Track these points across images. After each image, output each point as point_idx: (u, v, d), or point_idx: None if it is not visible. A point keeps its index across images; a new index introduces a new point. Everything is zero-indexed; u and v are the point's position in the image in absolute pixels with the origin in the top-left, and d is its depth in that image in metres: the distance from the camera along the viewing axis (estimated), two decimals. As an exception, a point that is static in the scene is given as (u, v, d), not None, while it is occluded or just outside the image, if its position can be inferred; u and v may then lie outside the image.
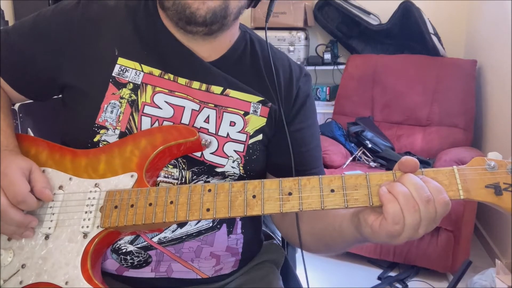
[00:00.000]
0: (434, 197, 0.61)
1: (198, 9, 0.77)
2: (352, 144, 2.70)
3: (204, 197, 0.70)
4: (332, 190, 0.66)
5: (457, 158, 2.29)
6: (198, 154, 0.84)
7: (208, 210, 0.69)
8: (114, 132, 0.82)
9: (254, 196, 0.68)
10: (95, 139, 0.82)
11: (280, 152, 0.89)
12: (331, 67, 3.30)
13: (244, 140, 0.86)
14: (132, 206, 0.73)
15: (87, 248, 0.73)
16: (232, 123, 0.86)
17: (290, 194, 0.67)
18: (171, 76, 0.84)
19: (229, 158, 0.85)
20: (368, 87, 2.96)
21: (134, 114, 0.82)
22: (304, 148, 0.90)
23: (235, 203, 0.69)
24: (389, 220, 0.62)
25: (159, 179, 0.82)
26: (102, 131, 0.82)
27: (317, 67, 3.30)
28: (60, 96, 0.89)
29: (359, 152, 2.63)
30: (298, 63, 1.08)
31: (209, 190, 0.70)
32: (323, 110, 3.20)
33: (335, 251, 0.86)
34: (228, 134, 0.85)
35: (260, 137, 0.87)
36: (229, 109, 0.86)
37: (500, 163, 0.62)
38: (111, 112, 0.82)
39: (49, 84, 0.86)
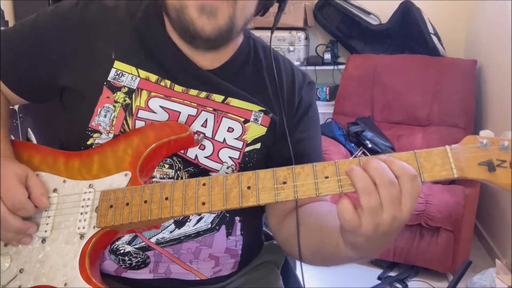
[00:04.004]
0: (399, 174, 0.59)
1: (203, 29, 0.74)
2: (352, 144, 2.70)
3: (199, 191, 0.70)
4: (327, 177, 0.65)
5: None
6: (193, 156, 0.83)
7: (203, 203, 0.69)
8: (107, 136, 0.81)
9: (249, 187, 0.68)
10: (89, 142, 0.82)
11: (281, 162, 0.86)
12: (331, 67, 3.30)
13: (241, 147, 0.85)
14: (127, 204, 0.73)
15: (85, 249, 0.73)
16: (230, 129, 0.85)
17: (284, 183, 0.66)
18: (168, 83, 0.83)
19: (224, 164, 0.84)
20: (368, 87, 2.96)
21: (128, 118, 0.82)
22: (305, 160, 0.88)
23: (230, 195, 0.68)
24: (358, 189, 0.60)
25: (154, 179, 0.82)
26: (95, 135, 0.82)
27: (317, 67, 3.30)
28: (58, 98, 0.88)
29: (359, 152, 2.63)
30: (300, 67, 1.05)
31: (204, 184, 0.70)
32: (323, 110, 3.20)
33: (331, 265, 0.82)
34: (224, 139, 0.84)
35: (258, 146, 0.86)
36: (229, 114, 0.84)
37: (492, 141, 0.62)
38: (105, 116, 0.82)
39: (48, 86, 0.86)
